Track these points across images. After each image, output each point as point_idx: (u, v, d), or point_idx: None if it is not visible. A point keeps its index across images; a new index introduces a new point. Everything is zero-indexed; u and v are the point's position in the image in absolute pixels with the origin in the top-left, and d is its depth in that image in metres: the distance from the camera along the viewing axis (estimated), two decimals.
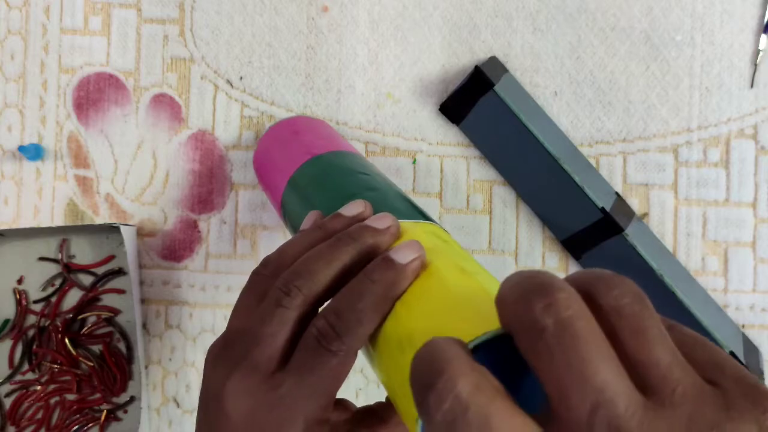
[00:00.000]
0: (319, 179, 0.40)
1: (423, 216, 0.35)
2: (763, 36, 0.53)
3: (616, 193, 0.52)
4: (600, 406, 0.17)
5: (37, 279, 0.53)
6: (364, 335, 0.27)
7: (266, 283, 0.29)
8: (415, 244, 0.29)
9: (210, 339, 0.53)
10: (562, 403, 0.17)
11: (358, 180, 0.39)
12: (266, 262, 0.30)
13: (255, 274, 0.30)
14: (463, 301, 0.26)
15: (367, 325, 0.27)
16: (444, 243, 0.32)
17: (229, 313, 0.52)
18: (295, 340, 0.28)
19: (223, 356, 0.29)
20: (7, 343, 0.52)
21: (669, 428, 0.17)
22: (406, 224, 0.33)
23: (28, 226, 0.52)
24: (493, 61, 0.51)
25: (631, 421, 0.17)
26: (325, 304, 0.28)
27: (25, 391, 0.52)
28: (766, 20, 0.53)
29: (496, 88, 0.48)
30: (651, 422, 0.17)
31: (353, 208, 0.32)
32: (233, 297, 0.52)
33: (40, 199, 0.53)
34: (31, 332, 0.52)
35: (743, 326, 0.52)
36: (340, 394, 0.30)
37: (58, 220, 0.53)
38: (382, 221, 0.31)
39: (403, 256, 0.28)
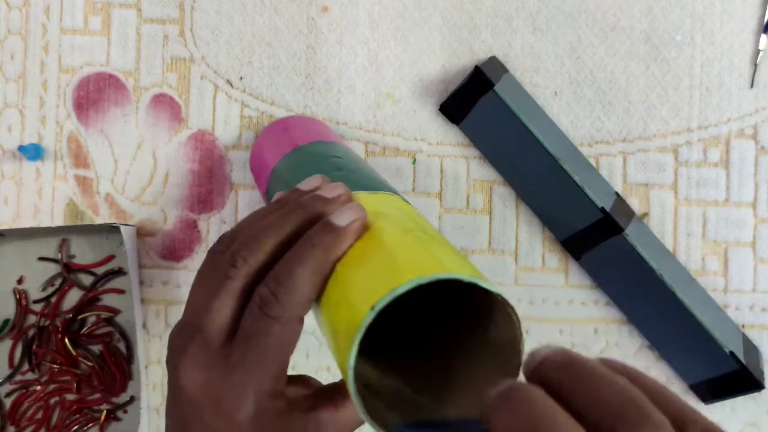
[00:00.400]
0: (296, 167, 0.41)
1: (387, 190, 0.35)
2: (763, 36, 0.53)
3: (616, 193, 0.52)
4: None
5: (37, 279, 0.53)
6: (304, 299, 0.27)
7: (219, 259, 0.29)
8: (356, 206, 0.29)
9: None
10: None
11: (329, 163, 0.40)
12: (221, 239, 0.30)
13: (210, 251, 0.30)
14: (397, 256, 0.26)
15: (306, 289, 0.27)
16: (398, 210, 0.31)
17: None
18: (244, 310, 0.28)
19: (179, 334, 0.29)
20: (7, 343, 0.52)
21: None
22: (362, 194, 0.33)
23: (28, 226, 0.52)
24: (493, 61, 0.51)
25: None
26: None
27: (25, 391, 0.52)
28: (766, 20, 0.53)
29: (496, 88, 0.48)
30: None
31: (310, 183, 0.32)
32: None
33: (40, 199, 0.53)
34: (31, 332, 0.52)
35: (743, 326, 0.52)
36: None
37: (58, 220, 0.53)
38: (332, 191, 0.30)
39: (342, 218, 0.28)
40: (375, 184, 0.36)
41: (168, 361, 0.29)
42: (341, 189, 0.31)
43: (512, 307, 0.24)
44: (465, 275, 0.24)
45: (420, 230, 0.29)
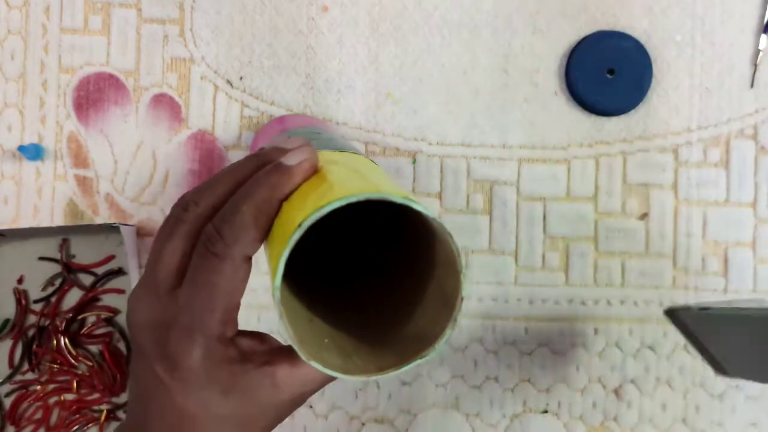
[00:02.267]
0: None
1: (352, 151, 0.35)
2: (763, 36, 0.53)
3: None
4: None
5: (37, 279, 0.53)
6: (249, 237, 0.26)
7: (174, 208, 0.29)
8: (306, 149, 0.28)
9: None
10: None
11: (308, 136, 0.40)
12: (185, 194, 0.30)
13: (173, 205, 0.29)
14: (335, 185, 0.26)
15: (251, 226, 0.26)
16: (355, 160, 0.31)
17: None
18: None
19: (136, 287, 0.29)
20: (7, 343, 0.52)
21: None
22: (326, 152, 0.32)
23: (27, 226, 0.52)
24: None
25: None
26: None
27: (24, 391, 0.52)
28: (766, 20, 0.53)
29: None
30: None
31: (274, 140, 0.32)
32: None
33: (39, 199, 0.53)
34: (31, 332, 0.52)
35: None
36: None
37: (58, 220, 0.53)
38: (292, 142, 0.30)
39: (291, 159, 0.28)
40: (342, 147, 0.36)
41: (126, 321, 0.29)
42: (300, 141, 0.30)
43: (449, 233, 0.24)
44: (397, 197, 0.23)
45: (370, 170, 0.29)
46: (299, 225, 0.23)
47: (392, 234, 0.25)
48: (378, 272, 0.31)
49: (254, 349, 0.28)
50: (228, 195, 0.28)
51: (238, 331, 0.28)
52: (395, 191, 0.24)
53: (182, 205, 0.28)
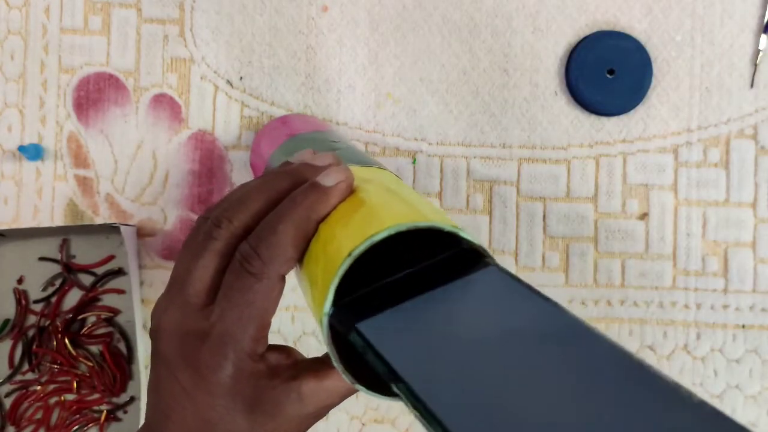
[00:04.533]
0: (291, 151, 0.41)
1: (378, 166, 0.35)
2: (763, 36, 0.53)
3: None
4: None
5: (37, 279, 0.53)
6: (286, 256, 0.26)
7: (204, 222, 0.29)
8: (343, 169, 0.28)
9: None
10: None
11: (326, 145, 0.40)
12: (209, 207, 0.30)
13: (199, 217, 0.29)
14: (379, 210, 0.26)
15: (288, 246, 0.26)
16: (386, 179, 0.31)
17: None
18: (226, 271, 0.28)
19: (160, 301, 0.29)
20: (7, 343, 0.52)
21: None
22: (353, 167, 0.32)
23: (27, 226, 0.52)
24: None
25: None
26: None
27: (24, 391, 0.52)
28: (766, 20, 0.53)
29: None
30: None
31: (301, 156, 0.32)
32: None
33: (40, 199, 0.53)
34: (31, 332, 0.52)
35: (743, 326, 0.52)
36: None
37: (58, 220, 0.53)
38: (322, 159, 0.30)
39: (328, 179, 0.28)
40: (368, 161, 0.36)
41: (150, 331, 0.29)
42: (331, 158, 0.30)
43: (493, 260, 0.24)
44: (445, 224, 0.24)
45: (406, 191, 0.29)
46: (349, 254, 0.23)
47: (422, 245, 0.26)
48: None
49: (281, 364, 0.29)
50: (262, 213, 0.28)
51: (268, 346, 0.28)
52: (441, 219, 0.25)
53: (214, 221, 0.28)
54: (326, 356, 0.29)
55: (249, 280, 0.26)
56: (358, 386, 0.25)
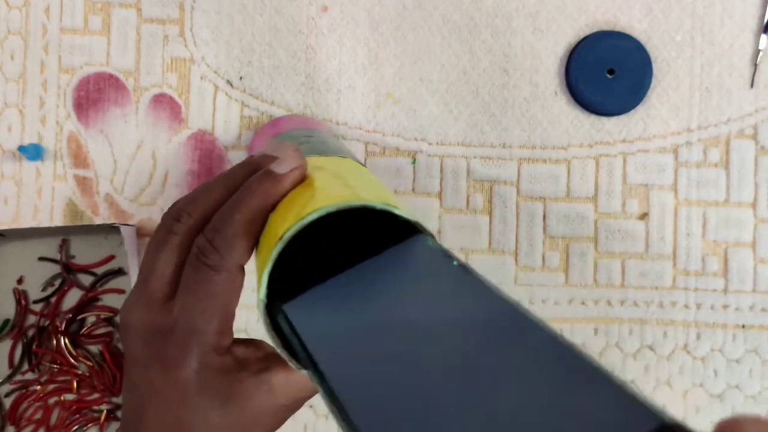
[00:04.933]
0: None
1: (342, 155, 0.35)
2: (763, 36, 0.53)
3: None
4: None
5: (37, 279, 0.53)
6: (241, 247, 0.26)
7: (166, 218, 0.29)
8: (296, 156, 0.28)
9: None
10: None
11: (297, 141, 0.40)
12: (174, 203, 0.30)
13: (164, 213, 0.30)
14: (317, 193, 0.26)
15: (242, 236, 0.26)
16: (342, 165, 0.31)
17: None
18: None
19: (129, 296, 0.29)
20: (7, 343, 0.52)
21: None
22: (314, 157, 0.32)
23: (27, 226, 0.52)
24: None
25: None
26: None
27: (24, 391, 0.52)
28: (766, 20, 0.53)
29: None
30: None
31: (265, 148, 0.32)
32: None
33: (39, 199, 0.53)
34: (30, 332, 0.52)
35: (743, 326, 0.52)
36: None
37: (58, 220, 0.53)
38: (281, 150, 0.30)
39: (282, 167, 0.28)
40: (334, 153, 0.36)
41: (120, 330, 0.29)
42: (290, 149, 0.30)
43: (430, 234, 0.24)
44: (377, 203, 0.23)
45: (356, 177, 0.29)
46: (280, 238, 0.23)
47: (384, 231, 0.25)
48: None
49: (249, 357, 0.28)
50: (220, 204, 0.28)
51: (234, 340, 0.28)
52: (375, 197, 0.24)
53: (174, 215, 0.28)
54: None
55: (208, 273, 0.26)
56: (305, 372, 0.24)
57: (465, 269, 0.22)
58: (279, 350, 0.24)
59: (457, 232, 0.52)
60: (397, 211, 0.24)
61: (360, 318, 0.21)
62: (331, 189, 0.26)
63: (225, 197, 0.28)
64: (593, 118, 0.53)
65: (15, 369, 0.52)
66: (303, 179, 0.28)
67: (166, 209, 0.53)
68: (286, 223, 0.24)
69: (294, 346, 0.22)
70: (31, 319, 0.53)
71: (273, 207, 0.27)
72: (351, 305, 0.23)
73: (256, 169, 0.29)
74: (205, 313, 0.26)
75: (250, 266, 0.28)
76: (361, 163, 0.35)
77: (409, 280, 0.23)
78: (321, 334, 0.22)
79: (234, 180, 0.29)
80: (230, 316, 0.27)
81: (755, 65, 0.53)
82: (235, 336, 0.28)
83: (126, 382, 0.29)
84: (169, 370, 0.27)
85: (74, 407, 0.52)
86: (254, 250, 0.27)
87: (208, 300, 0.26)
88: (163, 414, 0.27)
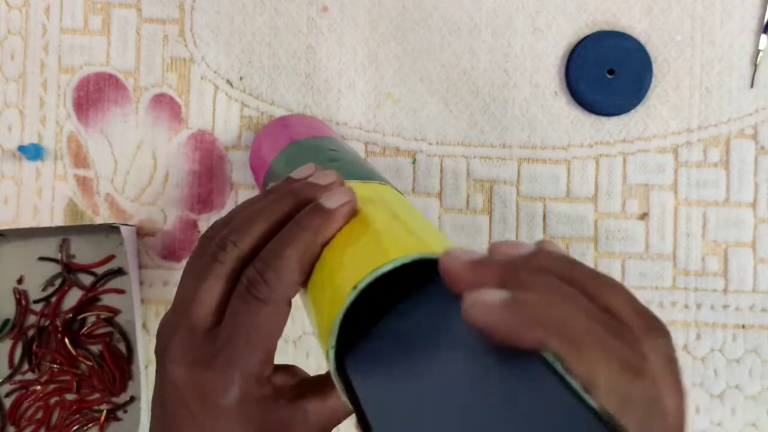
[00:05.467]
0: (291, 159, 0.41)
1: (381, 181, 0.35)
2: (763, 36, 0.53)
3: None
4: None
5: (37, 279, 0.53)
6: (291, 281, 0.27)
7: (208, 244, 0.29)
8: (346, 190, 0.28)
9: None
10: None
11: (325, 155, 0.40)
12: (213, 225, 0.30)
13: (201, 237, 0.30)
14: (383, 238, 0.26)
15: (293, 271, 0.26)
16: (389, 197, 0.31)
17: None
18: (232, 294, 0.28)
19: (167, 322, 0.29)
20: (7, 343, 0.52)
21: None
22: (354, 183, 0.32)
23: (27, 226, 0.52)
24: None
25: None
26: None
27: (24, 391, 0.52)
28: (766, 20, 0.53)
29: None
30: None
31: (303, 171, 0.32)
32: None
33: (39, 199, 0.53)
34: (31, 332, 0.52)
35: (743, 326, 0.52)
36: None
37: (58, 220, 0.53)
38: (325, 178, 0.30)
39: (332, 201, 0.28)
40: (369, 175, 0.36)
41: (156, 351, 0.29)
42: (333, 176, 0.30)
43: None
44: (432, 254, 0.24)
45: (409, 216, 0.29)
46: (354, 287, 0.23)
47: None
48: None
49: (286, 383, 0.29)
50: (267, 235, 0.28)
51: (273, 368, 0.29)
52: (438, 245, 0.25)
53: (219, 244, 0.28)
54: (328, 374, 0.29)
55: (256, 305, 0.26)
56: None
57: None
58: (342, 395, 0.24)
59: (457, 232, 0.52)
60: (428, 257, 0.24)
61: (410, 385, 0.22)
62: (396, 234, 0.26)
63: (272, 229, 0.28)
64: (593, 118, 0.53)
65: (15, 369, 0.52)
66: (354, 214, 0.28)
67: (166, 209, 0.53)
68: (355, 272, 0.24)
69: (349, 400, 0.23)
70: (31, 319, 0.53)
71: (325, 243, 0.27)
72: (401, 366, 0.23)
73: (301, 200, 0.29)
74: (251, 344, 0.26)
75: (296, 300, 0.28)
76: (394, 188, 0.35)
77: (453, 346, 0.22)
78: (376, 399, 0.22)
79: (280, 211, 0.29)
80: (274, 348, 0.27)
81: (755, 65, 0.53)
82: None
83: (158, 399, 0.29)
84: (208, 397, 0.27)
85: (74, 407, 0.52)
86: (303, 286, 0.28)
87: (255, 331, 0.26)
88: None
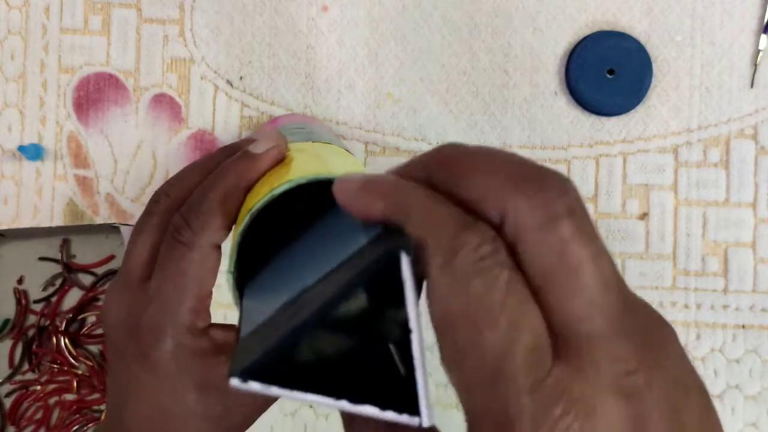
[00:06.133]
0: None
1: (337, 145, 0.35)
2: (763, 36, 0.53)
3: None
4: None
5: (37, 279, 0.53)
6: (215, 225, 0.26)
7: (148, 202, 0.29)
8: (275, 137, 0.28)
9: None
10: None
11: (288, 132, 0.40)
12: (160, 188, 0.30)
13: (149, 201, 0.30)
14: (291, 170, 0.26)
15: (216, 213, 0.26)
16: (325, 148, 0.31)
17: (228, 312, 0.52)
18: None
19: (112, 282, 0.29)
20: (7, 343, 0.52)
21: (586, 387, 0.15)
22: (298, 143, 0.32)
23: (27, 226, 0.52)
24: None
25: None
26: None
27: (24, 391, 0.52)
28: (766, 20, 0.53)
29: None
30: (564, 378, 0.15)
31: (253, 136, 0.32)
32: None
33: (39, 199, 0.53)
34: (31, 332, 0.52)
35: (743, 326, 0.52)
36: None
37: (58, 220, 0.53)
38: (263, 134, 0.30)
39: (259, 147, 0.28)
40: (321, 138, 0.36)
41: (101, 316, 0.29)
42: (272, 132, 0.30)
43: None
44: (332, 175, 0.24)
45: (333, 156, 0.29)
46: (249, 210, 0.24)
47: None
48: None
49: (228, 341, 0.28)
50: (198, 185, 0.28)
51: (212, 324, 0.28)
52: (347, 170, 0.25)
53: (154, 198, 0.28)
54: None
55: (181, 250, 0.26)
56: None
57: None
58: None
59: None
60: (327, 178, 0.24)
61: (278, 300, 0.22)
62: (307, 166, 0.26)
63: (203, 179, 0.28)
64: (593, 118, 0.53)
65: (15, 369, 0.52)
66: (282, 159, 0.28)
67: None
68: (256, 198, 0.24)
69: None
70: (31, 319, 0.53)
71: (250, 187, 0.27)
72: (277, 284, 0.23)
73: (236, 151, 0.29)
74: (179, 292, 0.26)
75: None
76: (349, 152, 0.35)
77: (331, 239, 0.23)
78: (251, 308, 0.23)
79: (213, 163, 0.29)
80: (205, 297, 0.27)
81: (755, 65, 0.53)
82: None
83: (109, 373, 0.28)
84: (145, 353, 0.26)
85: (74, 407, 0.52)
86: (232, 230, 0.27)
87: (182, 278, 0.26)
88: (141, 401, 0.27)
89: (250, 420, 0.29)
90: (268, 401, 0.29)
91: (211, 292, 0.27)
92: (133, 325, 0.27)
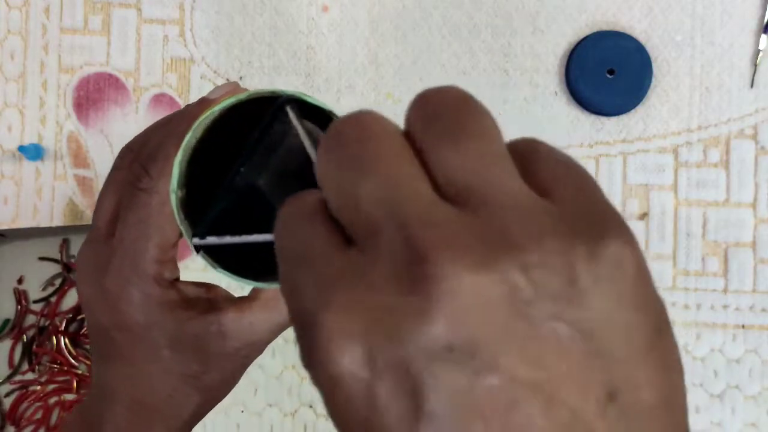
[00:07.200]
0: None
1: None
2: (763, 36, 0.53)
3: None
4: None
5: (37, 279, 0.53)
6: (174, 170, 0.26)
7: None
8: (233, 84, 0.29)
9: None
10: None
11: None
12: None
13: None
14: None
15: (173, 159, 0.26)
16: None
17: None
18: None
19: (83, 243, 0.29)
20: (7, 343, 0.52)
21: (475, 237, 0.14)
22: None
23: (27, 226, 0.52)
24: None
25: (426, 230, 0.14)
26: None
27: (24, 391, 0.52)
28: (766, 20, 0.53)
29: None
30: (452, 230, 0.14)
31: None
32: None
33: (39, 199, 0.53)
34: (31, 332, 0.52)
35: (743, 326, 0.52)
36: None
37: (58, 220, 0.53)
38: (228, 86, 0.30)
39: (216, 92, 0.28)
40: None
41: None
42: (231, 83, 0.30)
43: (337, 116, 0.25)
44: (286, 90, 0.24)
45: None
46: (192, 129, 0.24)
47: None
48: None
49: (199, 296, 0.28)
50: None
51: (183, 280, 0.28)
52: (289, 89, 0.25)
53: (119, 155, 0.28)
54: (252, 292, 0.28)
55: (140, 197, 0.26)
56: (219, 270, 0.25)
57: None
58: (183, 231, 0.25)
59: None
60: (305, 98, 0.24)
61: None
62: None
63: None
64: (593, 118, 0.53)
65: (15, 369, 0.52)
66: None
67: None
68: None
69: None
70: (31, 319, 0.53)
71: None
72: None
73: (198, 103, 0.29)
74: (141, 240, 0.26)
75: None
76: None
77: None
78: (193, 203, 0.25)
79: (176, 116, 0.29)
80: (168, 245, 0.26)
81: (755, 65, 0.53)
82: None
83: (89, 336, 0.28)
84: (115, 307, 0.26)
85: (74, 407, 0.52)
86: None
87: (143, 225, 0.26)
88: (117, 362, 0.26)
89: (230, 381, 0.28)
90: (246, 359, 0.28)
91: (176, 243, 0.27)
92: (99, 279, 0.26)
